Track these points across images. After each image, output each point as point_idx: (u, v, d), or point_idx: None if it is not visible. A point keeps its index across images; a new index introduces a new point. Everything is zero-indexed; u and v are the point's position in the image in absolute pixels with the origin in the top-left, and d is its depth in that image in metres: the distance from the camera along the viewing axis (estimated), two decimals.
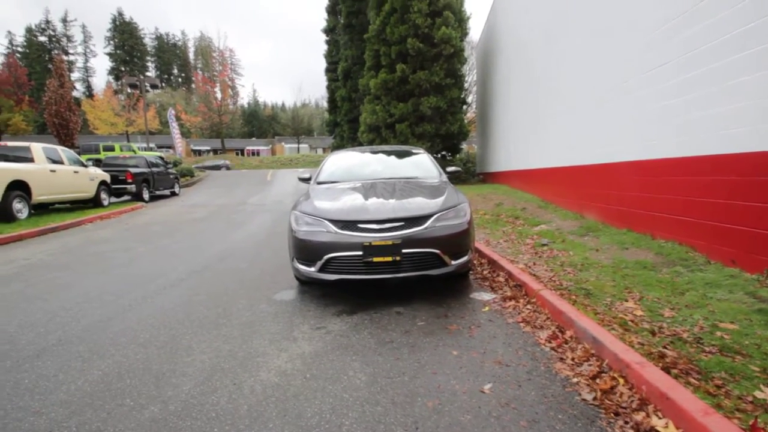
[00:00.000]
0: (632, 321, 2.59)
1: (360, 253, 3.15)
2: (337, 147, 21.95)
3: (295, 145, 54.32)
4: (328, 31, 21.29)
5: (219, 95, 44.34)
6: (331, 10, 20.97)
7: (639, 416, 1.73)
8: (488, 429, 1.75)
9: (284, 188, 18.51)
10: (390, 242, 3.15)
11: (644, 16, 4.81)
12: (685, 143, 4.12)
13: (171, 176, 16.19)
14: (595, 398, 1.90)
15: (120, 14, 63.65)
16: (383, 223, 3.23)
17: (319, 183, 4.46)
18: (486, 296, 3.49)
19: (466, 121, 14.80)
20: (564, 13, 7.39)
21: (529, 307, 3.09)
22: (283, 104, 70.97)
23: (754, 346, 2.16)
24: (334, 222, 3.29)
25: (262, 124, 62.51)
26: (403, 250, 3.15)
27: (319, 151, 50.09)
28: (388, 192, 3.83)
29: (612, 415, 1.79)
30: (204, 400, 2.04)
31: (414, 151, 5.31)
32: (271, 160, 37.08)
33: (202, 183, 20.66)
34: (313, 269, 3.31)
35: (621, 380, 1.97)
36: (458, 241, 3.37)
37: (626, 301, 2.98)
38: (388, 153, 5.39)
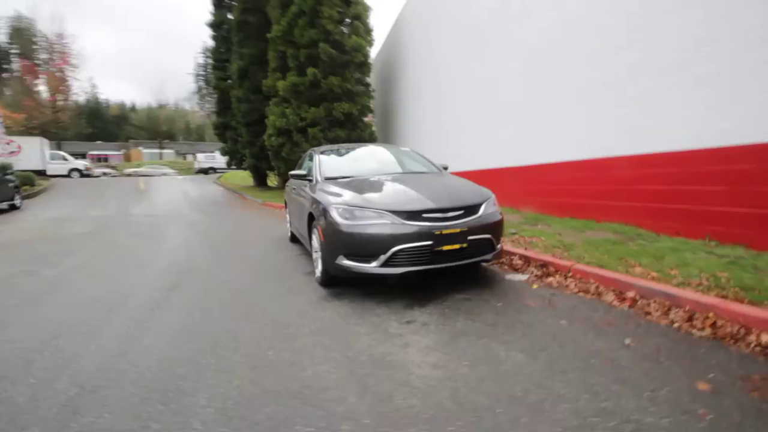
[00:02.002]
0: (663, 279, 3.22)
1: (430, 242, 3.13)
2: (230, 152, 20.04)
3: (156, 151, 47.43)
4: (215, 25, 19.41)
5: (45, 88, 35.84)
6: (218, 4, 19.21)
7: (752, 337, 2.22)
8: (665, 372, 2.02)
9: (173, 196, 16.19)
10: (458, 230, 3.21)
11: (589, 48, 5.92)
12: (625, 145, 5.21)
13: (9, 184, 12.58)
14: (709, 334, 2.36)
15: None
16: (447, 212, 3.27)
17: (328, 179, 4.20)
18: (519, 276, 3.83)
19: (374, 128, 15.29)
20: (481, 30, 8.43)
21: (571, 280, 3.53)
22: (133, 105, 61.38)
23: (757, 279, 2.93)
24: (397, 213, 3.19)
25: (107, 125, 52.85)
26: (469, 237, 3.25)
27: (189, 157, 44.72)
28: (421, 183, 3.86)
29: (731, 341, 2.26)
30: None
31: (401, 147, 5.41)
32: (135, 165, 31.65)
33: (50, 193, 16.60)
34: (373, 264, 3.13)
35: (714, 318, 2.48)
36: (500, 227, 3.63)
37: (634, 266, 3.66)
38: (376, 149, 5.36)
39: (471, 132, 9.26)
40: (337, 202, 3.41)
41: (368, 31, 14.58)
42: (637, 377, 1.97)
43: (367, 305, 3.19)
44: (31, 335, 2.80)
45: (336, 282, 3.63)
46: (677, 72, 4.51)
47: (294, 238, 5.97)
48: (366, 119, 15.25)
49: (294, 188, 5.26)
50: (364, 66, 14.21)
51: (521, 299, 3.20)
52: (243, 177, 23.21)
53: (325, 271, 3.53)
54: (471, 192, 3.69)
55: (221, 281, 4.13)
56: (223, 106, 19.80)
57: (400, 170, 4.55)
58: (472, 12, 8.97)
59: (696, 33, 4.30)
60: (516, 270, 4.08)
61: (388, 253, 3.10)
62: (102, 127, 51.42)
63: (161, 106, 56.82)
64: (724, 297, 2.65)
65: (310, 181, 4.34)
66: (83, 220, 9.88)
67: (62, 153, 28.07)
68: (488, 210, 3.54)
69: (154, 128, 49.43)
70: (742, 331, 2.32)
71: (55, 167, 25.11)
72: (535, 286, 3.53)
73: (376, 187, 3.76)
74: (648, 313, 2.76)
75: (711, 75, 4.17)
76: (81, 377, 2.20)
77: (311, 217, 3.91)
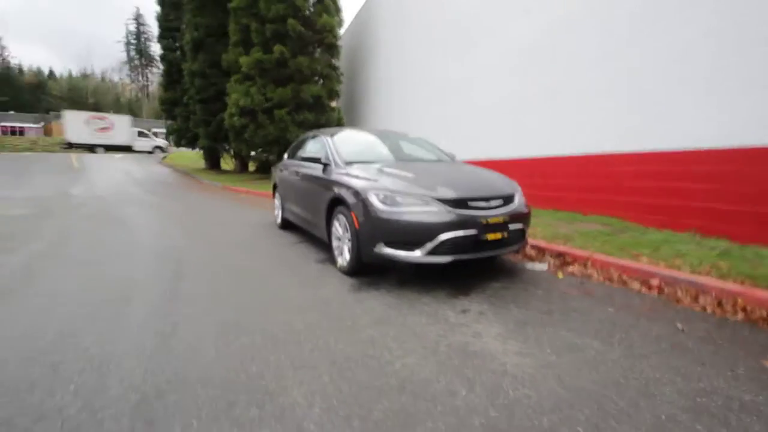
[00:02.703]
0: (675, 267, 3.51)
1: (476, 231, 3.12)
2: (179, 130, 18.43)
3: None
4: None
5: None
6: None
7: None
8: (730, 353, 2.21)
9: (115, 176, 14.73)
10: (502, 219, 3.23)
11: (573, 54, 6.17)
12: (610, 143, 5.57)
13: None
14: (743, 318, 2.61)
15: None
16: (489, 201, 3.28)
17: (350, 163, 4.01)
18: (539, 266, 3.96)
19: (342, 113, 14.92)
20: (455, 24, 8.52)
21: (592, 269, 3.71)
22: (51, 72, 54.36)
23: (752, 268, 3.29)
24: (444, 201, 3.13)
25: (19, 93, 46.36)
26: (509, 227, 3.29)
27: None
28: (453, 172, 3.83)
29: (766, 324, 2.52)
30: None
31: (409, 134, 5.32)
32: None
33: None
34: (417, 253, 3.06)
35: (742, 302, 2.74)
36: (529, 218, 3.71)
37: (638, 256, 3.95)
38: (386, 135, 5.19)
39: (451, 125, 9.37)
40: (377, 187, 3.27)
41: (338, 10, 14.13)
42: (710, 358, 2.13)
43: (410, 295, 3.12)
44: (37, 332, 2.38)
45: (363, 271, 3.51)
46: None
47: (287, 225, 5.68)
48: (333, 104, 14.87)
49: (296, 172, 4.98)
50: (333, 48, 13.77)
51: (557, 288, 3.32)
52: (192, 158, 21.63)
53: (356, 259, 3.39)
54: (504, 182, 3.74)
55: (228, 271, 3.81)
56: (171, 80, 18.14)
57: (418, 157, 4.48)
58: (446, 7, 9.01)
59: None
60: (531, 259, 4.22)
61: (436, 242, 3.04)
62: (14, 95, 44.98)
63: (85, 76, 50.96)
64: (742, 283, 2.95)
65: (326, 165, 4.12)
66: (15, 201, 8.62)
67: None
68: (520, 200, 3.60)
69: (78, 100, 44.24)
70: None
71: None
72: (560, 275, 3.67)
73: (410, 173, 3.66)
74: (678, 300, 2.99)
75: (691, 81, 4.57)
76: (132, 381, 1.91)
77: (334, 203, 3.73)
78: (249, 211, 7.97)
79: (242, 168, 17.70)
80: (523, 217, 3.48)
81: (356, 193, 3.34)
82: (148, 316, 2.69)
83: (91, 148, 26.07)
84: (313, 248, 4.67)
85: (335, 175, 3.84)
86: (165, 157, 24.66)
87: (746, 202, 4.20)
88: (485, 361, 2.11)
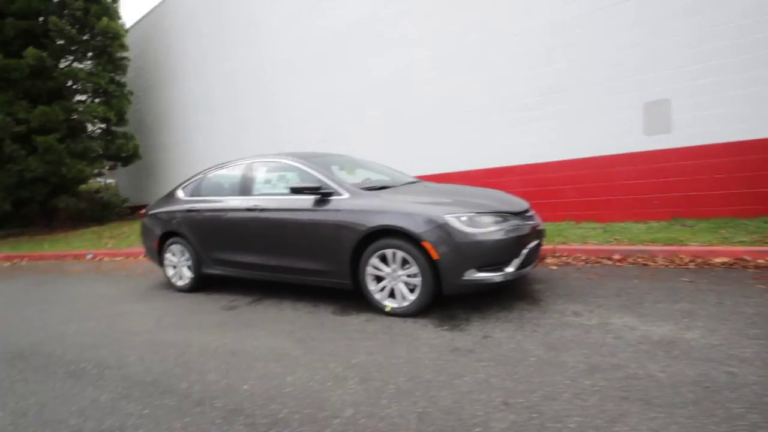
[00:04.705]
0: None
1: (538, 240, 3.21)
2: None
3: None
4: None
5: None
6: None
7: None
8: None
9: None
10: (543, 229, 3.43)
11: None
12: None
13: None
14: None
15: None
16: (526, 213, 3.39)
17: (370, 189, 3.38)
18: None
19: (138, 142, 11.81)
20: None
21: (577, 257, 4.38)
22: None
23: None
24: (514, 215, 3.08)
25: None
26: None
27: None
28: (468, 189, 3.76)
29: None
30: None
31: (344, 154, 4.80)
32: None
33: None
34: (510, 269, 2.87)
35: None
36: None
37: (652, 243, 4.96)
38: (334, 158, 4.48)
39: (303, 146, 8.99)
40: (452, 211, 2.88)
41: (118, 16, 11.38)
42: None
43: (497, 322, 2.88)
44: None
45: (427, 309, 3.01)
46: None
47: (201, 283, 4.19)
48: (123, 130, 11.73)
49: (245, 208, 3.71)
50: (123, 60, 10.95)
51: (572, 276, 3.78)
52: None
53: (429, 294, 2.82)
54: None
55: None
56: None
57: (398, 181, 4.14)
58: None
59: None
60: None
61: (521, 256, 2.95)
62: None
63: None
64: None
65: (327, 194, 3.27)
66: None
67: None
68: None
69: None
70: None
71: None
72: (554, 267, 4.17)
73: (446, 192, 3.41)
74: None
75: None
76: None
77: (369, 238, 3.02)
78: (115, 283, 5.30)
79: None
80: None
81: (428, 220, 2.84)
82: None
83: None
84: (306, 301, 3.60)
85: (352, 204, 3.13)
86: None
87: (589, 196, 5.90)
88: (672, 347, 2.22)
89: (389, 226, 2.91)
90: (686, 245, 4.05)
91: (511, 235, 2.88)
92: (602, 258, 4.18)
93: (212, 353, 2.60)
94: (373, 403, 1.86)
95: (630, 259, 4.04)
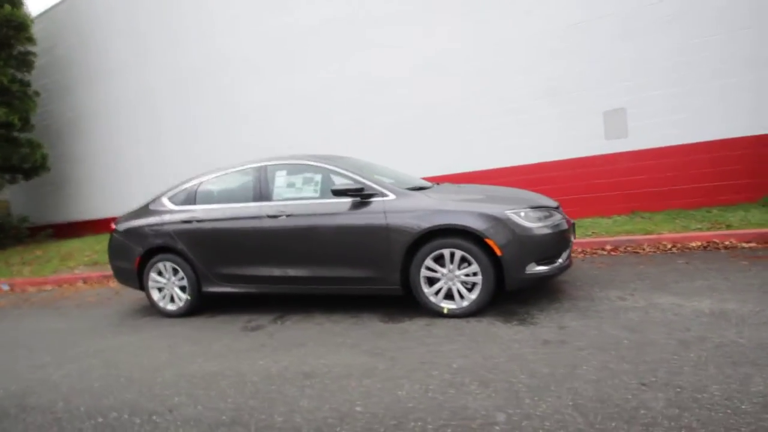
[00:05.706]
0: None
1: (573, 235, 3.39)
2: None
3: None
4: None
5: None
6: None
7: None
8: None
9: None
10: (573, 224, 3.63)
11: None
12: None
13: None
14: None
15: None
16: (559, 208, 3.54)
17: (412, 189, 3.27)
18: None
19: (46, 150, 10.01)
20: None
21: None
22: None
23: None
24: (555, 209, 3.20)
25: None
26: None
27: None
28: (481, 188, 3.83)
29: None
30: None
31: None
32: None
33: None
34: (559, 262, 3.02)
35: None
36: None
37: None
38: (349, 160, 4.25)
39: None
40: (511, 207, 2.91)
41: (22, 2, 9.74)
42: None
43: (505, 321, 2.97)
44: None
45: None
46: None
47: (196, 307, 3.68)
48: (28, 137, 9.97)
49: (265, 215, 3.32)
50: (29, 55, 9.35)
51: (584, 267, 4.04)
52: None
53: (489, 292, 2.80)
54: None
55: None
56: None
57: (415, 181, 4.08)
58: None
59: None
60: None
61: (569, 247, 3.11)
62: None
63: None
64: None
65: (369, 195, 3.07)
66: None
67: None
68: None
69: None
70: None
71: None
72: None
73: (481, 191, 3.45)
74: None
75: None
76: None
77: (423, 239, 2.90)
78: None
79: None
80: None
81: (489, 217, 2.82)
82: None
83: None
84: (340, 312, 3.31)
85: (400, 205, 2.99)
86: None
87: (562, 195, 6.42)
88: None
89: (451, 225, 2.85)
90: (662, 233, 4.60)
91: (559, 228, 3.01)
92: (597, 249, 4.56)
93: (280, 379, 2.28)
94: (517, 404, 1.78)
95: (621, 249, 4.46)
